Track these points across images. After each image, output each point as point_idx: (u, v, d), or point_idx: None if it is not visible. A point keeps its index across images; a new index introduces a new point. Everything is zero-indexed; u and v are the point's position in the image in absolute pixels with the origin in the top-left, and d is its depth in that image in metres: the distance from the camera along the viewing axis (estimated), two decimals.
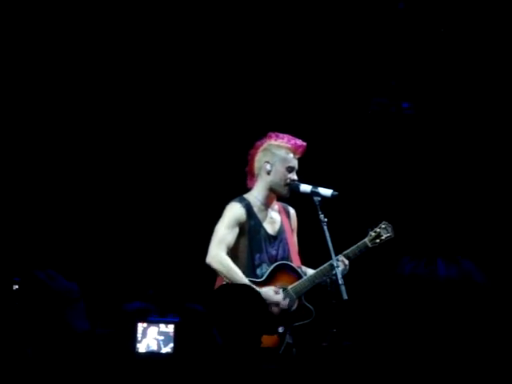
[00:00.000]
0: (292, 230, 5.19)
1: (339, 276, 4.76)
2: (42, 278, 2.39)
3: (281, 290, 4.90)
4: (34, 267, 2.49)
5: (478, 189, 6.45)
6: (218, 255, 4.86)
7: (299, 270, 5.04)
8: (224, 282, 4.87)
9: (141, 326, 2.17)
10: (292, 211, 5.23)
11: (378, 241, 5.00)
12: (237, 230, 4.97)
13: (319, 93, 6.49)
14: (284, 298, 4.89)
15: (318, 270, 4.97)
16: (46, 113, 6.31)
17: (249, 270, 4.97)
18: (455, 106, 6.50)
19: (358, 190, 6.40)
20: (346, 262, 4.88)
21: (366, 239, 4.99)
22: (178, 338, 2.19)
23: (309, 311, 4.98)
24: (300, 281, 4.97)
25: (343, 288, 4.72)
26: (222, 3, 6.37)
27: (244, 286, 3.10)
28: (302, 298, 4.99)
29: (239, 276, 4.84)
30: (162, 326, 2.20)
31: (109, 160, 6.45)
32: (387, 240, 5.00)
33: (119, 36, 6.32)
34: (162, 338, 2.22)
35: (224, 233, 4.94)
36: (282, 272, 5.03)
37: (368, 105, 6.47)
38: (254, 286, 4.66)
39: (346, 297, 4.68)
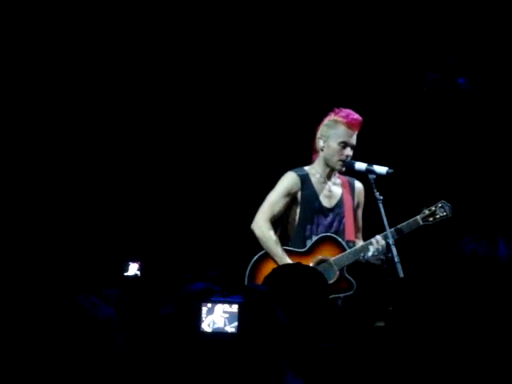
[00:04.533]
0: (356, 205, 5.19)
1: (395, 253, 4.76)
2: (86, 305, 2.42)
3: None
4: (77, 292, 2.53)
5: None
6: (261, 223, 4.96)
7: (344, 243, 5.04)
8: (263, 251, 4.97)
9: (205, 306, 2.21)
10: (358, 185, 5.21)
11: (431, 219, 4.98)
12: (287, 199, 5.03)
13: (375, 70, 6.45)
14: None
15: (361, 245, 4.98)
16: (46, 113, 6.34)
17: (299, 240, 5.02)
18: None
19: (414, 168, 6.36)
20: (383, 242, 4.86)
21: (419, 216, 4.98)
22: (242, 318, 2.22)
23: (350, 284, 5.00)
24: (343, 253, 4.98)
25: (399, 266, 4.71)
26: None
27: (306, 267, 3.12)
28: (344, 270, 5.00)
29: (277, 248, 4.92)
30: (226, 306, 2.24)
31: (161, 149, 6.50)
32: (442, 219, 4.98)
33: (120, 36, 6.33)
34: (227, 315, 2.26)
35: (273, 201, 5.01)
36: (326, 243, 5.04)
37: (423, 81, 6.42)
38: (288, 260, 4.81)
39: (402, 274, 4.68)
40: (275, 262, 4.94)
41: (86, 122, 6.39)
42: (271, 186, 5.13)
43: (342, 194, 5.15)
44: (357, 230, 5.17)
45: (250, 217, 5.11)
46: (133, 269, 4.34)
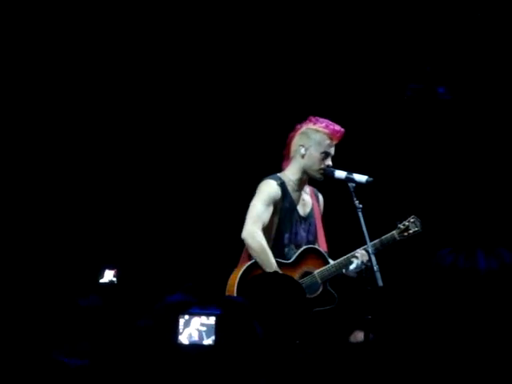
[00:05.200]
0: (320, 216, 5.20)
1: (374, 262, 4.75)
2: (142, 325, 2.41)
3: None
4: (136, 316, 2.51)
5: None
6: (254, 232, 4.87)
7: (326, 255, 5.05)
8: (250, 261, 4.89)
9: (182, 318, 2.19)
10: (321, 196, 5.25)
11: (405, 234, 5.01)
12: (272, 207, 4.98)
13: (354, 79, 6.46)
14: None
15: (345, 256, 4.98)
16: (46, 114, 6.32)
17: (277, 249, 4.98)
18: (493, 89, 6.43)
19: (394, 176, 6.38)
20: (366, 257, 4.85)
21: (395, 232, 5.00)
22: (219, 330, 2.21)
23: (332, 297, 5.00)
24: (327, 266, 4.98)
25: (378, 274, 4.71)
26: None
27: (284, 276, 3.11)
28: (327, 284, 5.00)
29: (269, 258, 4.85)
30: (204, 318, 2.22)
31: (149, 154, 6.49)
32: (415, 234, 5.01)
33: (119, 36, 6.32)
34: (204, 329, 2.24)
35: (261, 209, 4.94)
36: (310, 256, 5.04)
37: (403, 91, 6.43)
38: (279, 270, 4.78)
39: (381, 283, 4.67)
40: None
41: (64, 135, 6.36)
42: (244, 194, 5.08)
43: (312, 204, 5.16)
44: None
45: (226, 226, 5.07)
46: (108, 275, 4.30)
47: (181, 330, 2.22)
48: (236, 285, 4.85)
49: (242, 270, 4.90)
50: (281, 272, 4.82)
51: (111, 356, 2.38)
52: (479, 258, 2.11)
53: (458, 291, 2.11)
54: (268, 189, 5.02)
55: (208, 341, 2.23)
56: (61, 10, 6.17)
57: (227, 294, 4.86)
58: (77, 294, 3.44)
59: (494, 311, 2.06)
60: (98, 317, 3.05)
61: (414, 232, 5.02)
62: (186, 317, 2.21)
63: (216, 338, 2.22)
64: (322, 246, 5.11)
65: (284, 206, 5.05)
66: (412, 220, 5.03)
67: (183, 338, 2.22)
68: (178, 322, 2.22)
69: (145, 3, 6.32)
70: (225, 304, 2.35)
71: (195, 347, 2.22)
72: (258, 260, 4.89)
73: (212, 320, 2.21)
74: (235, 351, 2.30)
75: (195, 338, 2.23)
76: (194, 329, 2.23)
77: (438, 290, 2.14)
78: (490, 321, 2.08)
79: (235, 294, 4.78)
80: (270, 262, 4.87)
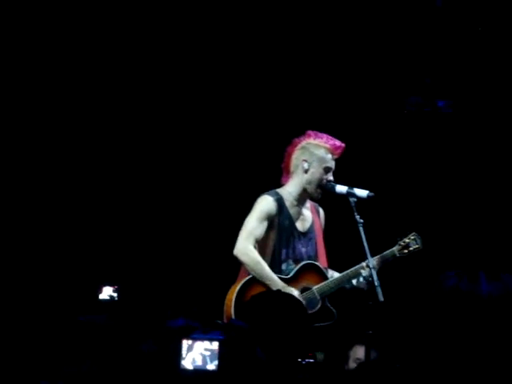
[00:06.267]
0: (322, 231, 5.19)
1: (375, 277, 4.74)
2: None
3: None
4: (139, 340, 2.49)
5: None
6: (245, 248, 4.86)
7: (325, 271, 5.03)
8: (249, 276, 4.87)
9: (185, 343, 2.19)
10: (322, 212, 5.23)
11: (406, 251, 5.00)
12: (266, 223, 4.97)
13: (354, 93, 6.46)
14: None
15: (345, 272, 4.96)
16: (47, 115, 6.32)
17: (274, 264, 4.96)
18: (495, 102, 6.42)
19: (395, 191, 6.37)
20: (366, 271, 4.83)
21: (395, 248, 4.99)
22: (222, 355, 2.20)
23: (331, 313, 4.98)
24: (326, 282, 4.97)
25: (379, 289, 4.69)
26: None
27: (285, 294, 3.09)
28: (326, 300, 4.98)
29: (266, 271, 4.84)
30: (207, 343, 2.22)
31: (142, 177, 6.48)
32: (416, 251, 5.00)
33: (119, 36, 6.32)
34: (208, 353, 2.23)
35: (253, 226, 4.93)
36: (309, 271, 5.02)
37: (403, 104, 6.43)
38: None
39: (382, 298, 4.66)
40: (265, 285, 4.86)
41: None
42: (244, 211, 5.08)
43: (313, 219, 5.15)
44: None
45: (226, 242, 5.05)
46: (107, 292, 4.27)
47: (184, 355, 2.22)
48: (233, 301, 4.83)
49: (239, 286, 4.88)
50: (280, 281, 4.83)
51: (114, 381, 2.37)
52: (482, 281, 2.11)
53: (460, 313, 2.11)
54: (263, 204, 5.00)
55: (211, 366, 2.22)
56: (61, 10, 6.17)
57: (225, 310, 4.84)
58: (77, 311, 3.43)
59: (493, 335, 2.05)
60: (100, 334, 3.04)
61: (414, 249, 5.01)
62: (190, 342, 2.20)
63: (219, 362, 2.21)
64: (322, 261, 5.09)
65: (281, 222, 5.03)
66: (412, 237, 5.02)
67: (186, 363, 2.22)
68: (181, 346, 2.21)
69: (145, 4, 6.31)
70: (228, 329, 2.35)
71: (198, 372, 2.22)
72: (254, 274, 4.87)
73: (215, 345, 2.20)
74: (238, 376, 2.30)
75: (198, 362, 2.22)
76: (198, 353, 2.22)
77: (439, 311, 2.14)
78: (489, 344, 2.08)
79: (233, 311, 4.77)
80: (267, 273, 4.86)
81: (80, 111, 6.36)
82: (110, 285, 4.26)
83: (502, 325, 2.07)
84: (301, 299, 4.82)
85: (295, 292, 4.85)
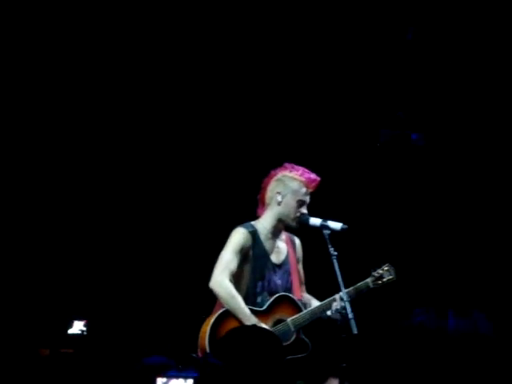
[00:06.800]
0: (297, 261, 5.20)
1: (349, 309, 4.74)
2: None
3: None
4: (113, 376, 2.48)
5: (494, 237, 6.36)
6: (221, 281, 4.85)
7: (300, 302, 5.03)
8: (224, 308, 4.85)
9: (160, 381, 2.17)
10: (297, 241, 5.24)
11: (379, 282, 5.01)
12: (241, 255, 4.96)
13: (328, 126, 6.50)
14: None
15: (319, 304, 4.96)
16: (47, 117, 6.30)
17: (249, 297, 4.95)
18: (467, 136, 6.48)
19: (369, 224, 6.39)
20: (340, 303, 4.83)
21: (369, 280, 5.00)
22: None
23: (305, 345, 4.97)
24: (300, 314, 4.96)
25: (353, 322, 4.69)
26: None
27: (258, 328, 3.08)
28: (300, 332, 4.98)
29: (241, 305, 4.82)
30: (181, 381, 2.20)
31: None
32: (389, 282, 5.01)
33: (119, 36, 6.33)
34: None
35: (229, 258, 4.92)
36: (284, 303, 5.01)
37: (377, 137, 6.48)
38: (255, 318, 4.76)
39: (355, 331, 4.66)
40: (239, 320, 4.84)
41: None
42: (219, 244, 5.07)
43: (288, 251, 5.15)
44: (301, 283, 5.17)
45: (201, 275, 5.04)
46: (77, 326, 4.22)
47: None
48: (208, 333, 4.80)
49: (214, 318, 4.85)
50: (253, 317, 4.81)
51: None
52: (449, 318, 2.12)
53: (427, 349, 2.12)
54: (237, 237, 5.00)
55: None
56: (61, 10, 6.17)
57: (199, 342, 4.81)
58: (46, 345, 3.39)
59: (459, 370, 2.07)
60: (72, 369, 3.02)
61: (388, 280, 5.02)
62: (164, 379, 2.18)
63: None
64: (296, 293, 5.09)
65: (255, 254, 5.03)
66: (386, 268, 5.03)
67: None
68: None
69: (144, 3, 6.32)
70: (202, 366, 2.33)
71: None
72: (228, 308, 4.86)
73: (190, 382, 2.18)
74: None
75: None
76: None
77: (407, 347, 2.15)
78: (456, 378, 2.09)
79: (207, 343, 4.73)
80: (241, 308, 4.84)
81: (73, 113, 6.35)
82: (81, 319, 4.22)
83: (467, 359, 2.09)
84: (288, 322, 4.87)
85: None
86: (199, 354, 4.70)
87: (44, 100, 6.29)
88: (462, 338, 1.88)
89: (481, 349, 1.86)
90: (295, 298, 5.04)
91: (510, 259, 6.20)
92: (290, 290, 5.08)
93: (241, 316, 4.82)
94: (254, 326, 3.63)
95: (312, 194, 5.12)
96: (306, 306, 5.06)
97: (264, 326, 4.85)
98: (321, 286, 5.17)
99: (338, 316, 4.85)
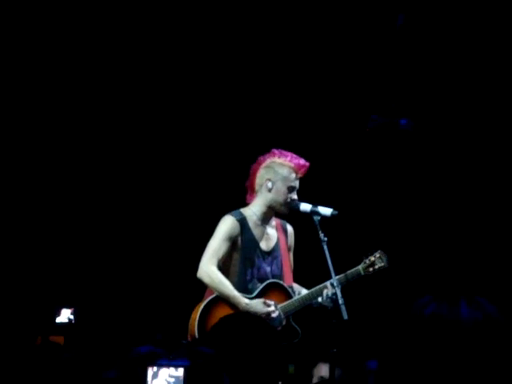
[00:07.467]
0: (288, 248, 5.15)
1: (339, 295, 4.71)
2: None
3: (272, 302, 4.86)
4: (102, 366, 2.41)
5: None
6: (208, 269, 4.84)
7: (290, 289, 5.00)
8: (214, 295, 4.85)
9: (150, 370, 2.11)
10: (290, 229, 5.21)
11: (371, 269, 4.99)
12: (229, 243, 4.96)
13: (317, 111, 6.46)
14: (274, 311, 4.86)
15: (310, 291, 4.94)
16: (47, 118, 6.25)
17: (239, 284, 4.94)
18: (459, 121, 6.46)
19: (360, 209, 6.35)
20: (331, 290, 4.80)
21: (360, 267, 4.97)
22: (187, 381, 2.13)
23: (295, 332, 4.96)
24: (290, 300, 4.96)
25: (343, 308, 4.66)
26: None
27: (252, 316, 3.03)
28: (290, 318, 4.97)
29: (229, 290, 4.82)
30: (172, 370, 2.14)
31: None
32: (381, 269, 4.97)
33: (119, 36, 6.27)
34: (172, 380, 2.15)
35: (216, 247, 4.91)
36: (273, 290, 5.01)
37: (366, 122, 6.43)
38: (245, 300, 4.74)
39: (346, 317, 4.63)
40: (230, 304, 4.84)
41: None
42: (208, 232, 5.02)
43: (278, 237, 5.11)
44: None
45: (190, 267, 5.00)
46: (65, 314, 4.16)
47: (149, 382, 2.14)
48: (197, 320, 4.80)
49: (203, 305, 4.88)
50: (244, 298, 4.78)
51: None
52: (462, 307, 2.04)
53: (441, 341, 2.04)
54: (225, 225, 4.98)
55: None
56: (61, 10, 6.10)
57: (189, 329, 4.81)
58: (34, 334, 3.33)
59: (477, 362, 2.00)
60: (59, 358, 2.94)
61: (379, 267, 4.99)
62: (155, 368, 2.13)
63: None
64: (287, 280, 5.06)
65: (244, 242, 5.00)
66: (378, 255, 5.00)
67: None
68: (146, 373, 2.14)
69: (144, 3, 6.26)
70: (193, 355, 2.27)
71: None
72: (217, 293, 4.86)
73: (180, 371, 2.13)
74: None
75: None
76: (163, 380, 2.15)
77: (418, 339, 2.07)
78: (474, 372, 2.02)
79: (196, 330, 4.74)
80: (230, 291, 4.83)
81: (69, 110, 6.29)
82: (68, 307, 4.15)
83: (486, 351, 2.01)
84: (273, 307, 4.86)
85: (259, 305, 4.81)
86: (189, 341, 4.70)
87: (44, 100, 6.22)
88: (478, 327, 1.82)
89: (497, 336, 1.81)
90: (285, 284, 5.01)
91: (506, 244, 6.21)
92: (280, 276, 5.06)
93: (231, 299, 4.81)
94: (247, 313, 3.58)
95: (302, 180, 5.08)
96: (295, 292, 5.03)
97: (256, 301, 4.82)
98: (311, 271, 5.14)
99: (327, 303, 4.81)
